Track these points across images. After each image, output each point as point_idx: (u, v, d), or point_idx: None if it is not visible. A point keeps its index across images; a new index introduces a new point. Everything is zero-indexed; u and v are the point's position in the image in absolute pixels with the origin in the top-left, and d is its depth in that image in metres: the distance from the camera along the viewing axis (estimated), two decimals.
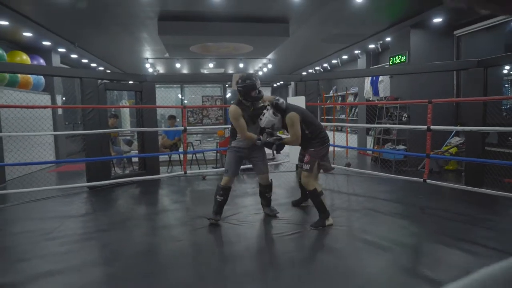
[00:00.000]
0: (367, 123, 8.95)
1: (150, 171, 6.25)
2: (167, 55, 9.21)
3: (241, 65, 11.06)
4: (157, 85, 10.07)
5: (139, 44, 8.62)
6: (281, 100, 3.70)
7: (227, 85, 8.69)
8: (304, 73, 12.05)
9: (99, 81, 5.60)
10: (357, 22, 7.14)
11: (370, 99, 9.16)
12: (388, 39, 7.95)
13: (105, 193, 5.44)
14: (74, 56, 9.16)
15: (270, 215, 3.99)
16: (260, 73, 12.97)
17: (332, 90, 12.55)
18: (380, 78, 8.65)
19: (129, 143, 7.29)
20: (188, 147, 7.73)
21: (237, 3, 5.93)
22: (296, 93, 6.89)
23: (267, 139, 3.66)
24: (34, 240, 3.43)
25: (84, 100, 5.42)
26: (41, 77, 7.91)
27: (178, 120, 8.47)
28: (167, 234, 3.63)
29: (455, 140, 6.66)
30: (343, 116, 12.04)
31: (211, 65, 10.78)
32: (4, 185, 6.31)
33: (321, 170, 3.73)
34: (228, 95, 20.08)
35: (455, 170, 6.63)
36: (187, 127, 6.03)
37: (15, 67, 5.43)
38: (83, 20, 6.59)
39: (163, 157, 7.44)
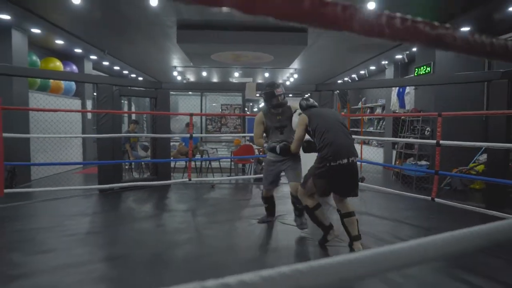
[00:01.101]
0: (393, 136, 8.56)
1: (161, 176, 6.36)
2: (191, 63, 9.43)
3: (266, 75, 11.06)
4: (181, 93, 10.42)
5: (164, 52, 8.90)
6: (309, 100, 3.48)
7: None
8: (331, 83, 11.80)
9: (114, 87, 5.82)
10: None
11: (397, 111, 8.77)
12: (414, 49, 7.59)
13: (115, 195, 5.61)
14: (105, 63, 9.64)
15: (297, 227, 3.74)
16: (288, 83, 12.91)
17: (360, 102, 12.17)
18: (407, 90, 8.26)
19: (145, 148, 7.49)
20: (204, 155, 7.82)
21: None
22: None
23: (272, 143, 3.68)
24: (51, 235, 3.67)
25: (99, 105, 5.66)
26: (73, 82, 8.39)
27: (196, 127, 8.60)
28: (165, 233, 3.65)
29: (484, 157, 6.15)
30: (371, 129, 11.61)
31: (236, 74, 10.88)
32: (30, 184, 6.71)
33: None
34: (261, 104, 20.19)
35: (481, 189, 6.10)
36: (204, 135, 6.10)
37: (27, 71, 5.73)
38: (109, 29, 6.93)
39: (179, 164, 7.57)
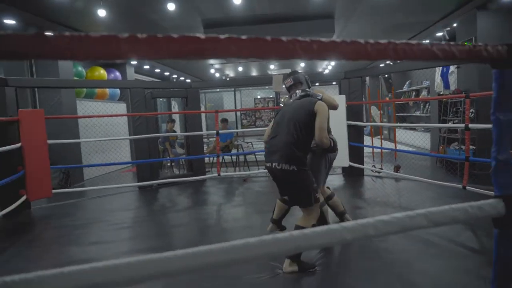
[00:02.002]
0: (439, 121, 8.01)
1: (196, 172, 6.65)
2: (225, 60, 9.61)
3: (302, 65, 10.91)
4: (225, 90, 10.68)
5: None
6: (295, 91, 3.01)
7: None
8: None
9: (146, 90, 6.16)
10: (414, 9, 6.46)
11: (441, 93, 8.17)
12: (455, 24, 7.00)
13: (153, 192, 5.99)
14: (146, 67, 10.21)
15: None
16: (326, 71, 12.60)
17: (406, 85, 11.50)
18: (451, 69, 7.64)
19: (182, 146, 7.84)
20: (238, 149, 7.98)
21: (275, 4, 5.91)
22: (340, 92, 6.54)
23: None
24: (100, 228, 4.13)
25: (132, 108, 6.04)
26: (117, 88, 9.03)
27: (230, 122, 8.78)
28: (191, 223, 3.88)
29: None
30: (418, 113, 10.94)
31: (272, 66, 10.87)
32: (83, 183, 7.40)
33: None
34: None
35: None
36: (241, 129, 6.21)
37: (64, 82, 6.24)
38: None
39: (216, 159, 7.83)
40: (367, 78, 15.20)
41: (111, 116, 6.56)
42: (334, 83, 10.33)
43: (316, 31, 6.92)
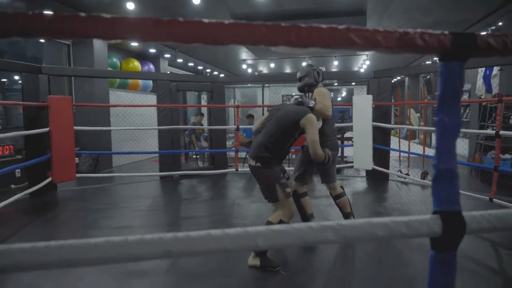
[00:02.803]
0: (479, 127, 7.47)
1: (218, 166, 6.69)
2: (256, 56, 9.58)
3: (335, 63, 10.62)
4: (257, 85, 10.65)
5: (229, 46, 9.20)
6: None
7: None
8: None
9: (172, 83, 6.27)
10: (453, 6, 6.06)
11: (483, 96, 7.61)
12: (500, 23, 6.48)
13: (174, 182, 6.11)
14: (180, 60, 10.40)
15: None
16: (362, 70, 12.19)
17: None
18: (494, 71, 7.10)
19: (206, 139, 7.91)
20: None
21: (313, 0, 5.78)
22: (368, 92, 6.27)
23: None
24: (122, 213, 4.34)
25: (158, 99, 6.17)
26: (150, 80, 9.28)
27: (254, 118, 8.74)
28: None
29: None
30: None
31: (304, 63, 10.69)
32: (111, 169, 7.70)
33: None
34: (344, 94, 19.43)
35: None
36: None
37: (90, 72, 6.45)
38: None
39: (240, 154, 7.84)
40: (406, 79, 14.56)
41: (132, 106, 6.74)
42: (335, 83, 9.96)
43: None
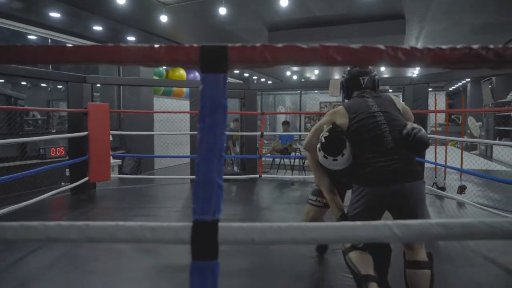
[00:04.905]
0: None
1: (248, 171, 6.80)
2: None
3: (382, 69, 10.18)
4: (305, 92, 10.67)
5: None
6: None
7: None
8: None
9: None
10: (503, 5, 5.51)
11: None
12: None
13: None
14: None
15: None
16: (414, 75, 11.47)
17: (511, 94, 9.77)
18: None
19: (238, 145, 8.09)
20: (296, 153, 7.87)
21: (335, 5, 5.69)
22: (403, 99, 5.93)
23: None
24: (150, 211, 4.64)
25: (191, 106, 6.48)
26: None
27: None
28: None
29: None
30: None
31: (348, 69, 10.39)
32: (153, 172, 8.22)
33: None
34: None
35: None
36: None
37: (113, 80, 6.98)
38: (209, 38, 7.79)
39: (276, 160, 7.90)
40: (468, 85, 13.41)
41: (162, 112, 7.11)
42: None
43: (385, 32, 6.42)
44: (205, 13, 5.79)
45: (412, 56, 0.66)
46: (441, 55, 0.66)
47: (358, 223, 0.70)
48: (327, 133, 2.02)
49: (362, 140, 1.97)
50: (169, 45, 0.66)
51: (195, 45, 0.65)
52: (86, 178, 5.35)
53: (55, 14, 5.46)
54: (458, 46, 0.68)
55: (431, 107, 6.30)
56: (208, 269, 0.68)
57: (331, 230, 0.68)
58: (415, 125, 1.97)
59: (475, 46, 0.67)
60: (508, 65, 0.68)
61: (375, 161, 1.90)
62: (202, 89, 0.68)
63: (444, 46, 0.71)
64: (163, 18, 5.51)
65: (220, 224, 0.69)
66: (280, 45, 0.65)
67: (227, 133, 8.17)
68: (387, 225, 0.69)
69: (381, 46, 0.70)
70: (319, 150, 2.06)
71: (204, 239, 0.67)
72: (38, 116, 7.55)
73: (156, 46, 0.66)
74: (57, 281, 2.62)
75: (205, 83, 0.68)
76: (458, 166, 5.58)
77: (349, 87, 2.23)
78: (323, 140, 2.03)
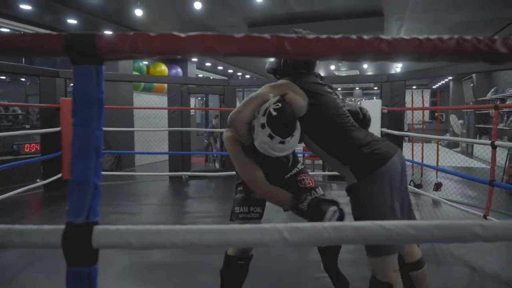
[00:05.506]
0: None
1: (228, 168, 6.74)
2: None
3: (365, 66, 10.21)
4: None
5: None
6: None
7: None
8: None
9: (185, 86, 6.45)
10: (481, 3, 5.54)
11: None
12: None
13: (182, 182, 6.29)
14: (208, 64, 10.67)
15: None
16: (397, 71, 11.55)
17: (490, 92, 9.89)
18: None
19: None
20: None
21: (321, 1, 5.65)
22: (381, 96, 5.95)
23: None
24: (152, 209, 4.66)
25: (169, 102, 6.39)
26: None
27: None
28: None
29: None
30: (501, 125, 9.33)
31: (344, 68, 10.37)
32: (133, 168, 8.11)
33: None
34: None
35: None
36: None
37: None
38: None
39: None
40: (451, 83, 13.56)
41: (138, 108, 7.01)
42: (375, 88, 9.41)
43: (364, 30, 6.40)
44: (181, 7, 5.69)
45: (280, 49, 0.61)
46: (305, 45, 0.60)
47: (245, 226, 0.65)
48: (278, 105, 1.51)
49: (327, 121, 1.63)
50: (36, 33, 0.60)
51: (63, 34, 0.60)
52: (60, 175, 5.23)
53: (25, 6, 5.30)
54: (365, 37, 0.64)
55: (408, 104, 6.33)
56: (83, 276, 0.63)
57: (213, 234, 0.63)
58: (352, 104, 1.91)
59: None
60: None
61: (362, 139, 1.61)
62: (74, 82, 0.63)
63: (336, 36, 0.66)
64: (138, 12, 5.40)
65: (96, 227, 0.64)
66: (154, 33, 0.60)
67: (208, 129, 8.11)
68: (276, 229, 0.65)
69: (266, 36, 0.66)
70: (263, 127, 1.51)
71: (76, 243, 0.62)
72: (19, 111, 7.38)
73: (23, 33, 0.60)
74: None
75: (76, 76, 0.62)
76: (439, 163, 5.63)
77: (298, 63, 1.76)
78: (274, 113, 1.49)
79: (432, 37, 0.64)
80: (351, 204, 1.59)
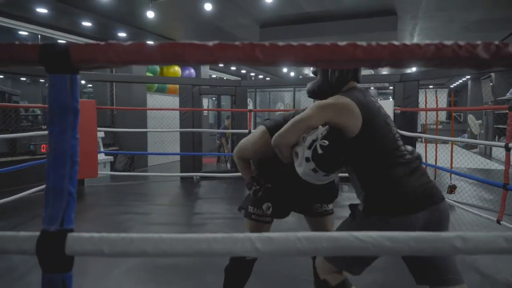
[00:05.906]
0: None
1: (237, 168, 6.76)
2: None
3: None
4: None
5: None
6: None
7: None
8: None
9: (196, 86, 6.50)
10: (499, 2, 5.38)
11: None
12: None
13: (194, 183, 6.34)
14: (221, 64, 10.69)
15: None
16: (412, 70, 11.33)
17: (510, 92, 9.59)
18: None
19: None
20: None
21: (332, 0, 5.60)
22: (394, 97, 5.85)
23: None
24: (163, 210, 4.75)
25: (181, 103, 6.44)
26: None
27: None
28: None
29: None
30: None
31: None
32: (146, 169, 8.22)
33: None
34: None
35: None
36: None
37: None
38: (200, 36, 7.74)
39: None
40: (469, 83, 13.22)
41: (151, 109, 7.07)
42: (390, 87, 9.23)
43: (376, 29, 6.31)
44: (192, 9, 5.73)
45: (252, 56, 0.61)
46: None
47: (217, 235, 0.65)
48: (326, 142, 1.39)
49: (379, 151, 1.44)
50: (11, 43, 0.61)
51: (40, 43, 0.61)
52: None
53: (41, 10, 5.43)
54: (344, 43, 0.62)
55: (421, 105, 6.21)
56: (58, 282, 0.64)
57: (185, 242, 0.63)
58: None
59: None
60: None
61: (406, 177, 1.39)
62: (49, 92, 0.64)
63: (309, 43, 0.65)
64: (150, 14, 5.46)
65: (70, 234, 0.64)
66: (127, 43, 0.60)
67: (220, 130, 8.14)
68: (249, 239, 0.64)
69: (238, 43, 0.65)
70: (307, 161, 1.42)
71: (50, 250, 0.63)
72: (38, 112, 7.58)
73: (5, 44, 0.61)
74: None
75: (51, 85, 0.63)
76: (455, 164, 5.50)
77: (343, 75, 1.50)
78: (320, 151, 1.39)
79: (409, 43, 0.63)
80: (348, 219, 1.50)
